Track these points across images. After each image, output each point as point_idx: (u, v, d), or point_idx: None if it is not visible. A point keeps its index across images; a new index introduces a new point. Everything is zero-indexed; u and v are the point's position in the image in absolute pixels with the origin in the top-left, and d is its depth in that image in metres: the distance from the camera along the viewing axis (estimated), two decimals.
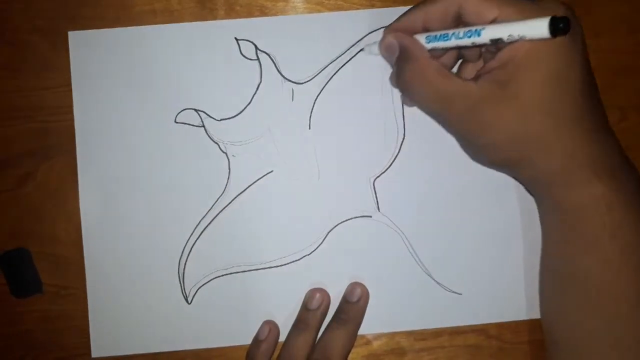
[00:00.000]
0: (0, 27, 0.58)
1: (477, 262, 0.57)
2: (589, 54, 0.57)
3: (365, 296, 0.56)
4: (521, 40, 0.44)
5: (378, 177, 0.57)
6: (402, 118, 0.57)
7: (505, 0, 0.45)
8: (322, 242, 0.57)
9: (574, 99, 0.45)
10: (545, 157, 0.46)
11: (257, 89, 0.57)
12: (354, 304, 0.56)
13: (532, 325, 0.57)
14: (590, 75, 0.47)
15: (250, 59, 0.57)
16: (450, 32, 0.47)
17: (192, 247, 0.57)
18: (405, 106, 0.57)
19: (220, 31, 0.57)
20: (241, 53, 0.57)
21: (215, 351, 0.57)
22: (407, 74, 0.48)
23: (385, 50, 0.51)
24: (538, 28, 0.42)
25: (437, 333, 0.57)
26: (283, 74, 0.57)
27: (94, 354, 0.56)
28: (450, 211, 0.57)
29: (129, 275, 0.57)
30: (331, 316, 0.56)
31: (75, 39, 0.57)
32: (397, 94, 0.57)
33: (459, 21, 0.48)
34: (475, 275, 0.57)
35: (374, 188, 0.57)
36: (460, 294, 0.57)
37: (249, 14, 0.58)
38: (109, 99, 0.57)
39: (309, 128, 0.57)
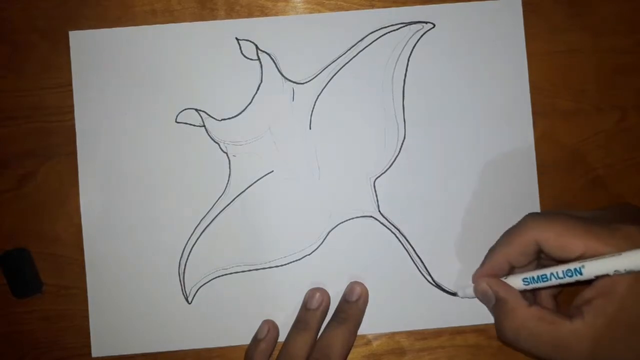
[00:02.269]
0: (0, 27, 0.58)
1: (476, 263, 0.57)
2: (589, 55, 0.57)
3: (364, 295, 0.56)
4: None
5: (378, 177, 0.57)
6: (402, 118, 0.57)
7: (585, 231, 0.45)
8: (322, 242, 0.57)
9: None
10: None
11: (258, 89, 0.57)
12: (353, 303, 0.56)
13: None
14: None
15: (251, 59, 0.57)
16: (549, 272, 0.47)
17: (193, 247, 0.57)
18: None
19: (221, 31, 0.57)
20: (242, 53, 0.57)
21: (215, 351, 0.57)
22: (508, 327, 0.48)
23: (481, 297, 0.51)
24: (635, 264, 0.42)
25: (438, 333, 0.57)
26: (284, 74, 0.57)
27: (94, 354, 0.56)
28: (450, 211, 0.57)
29: (129, 275, 0.57)
30: (331, 316, 0.56)
31: (76, 38, 0.57)
32: (397, 93, 0.57)
33: (542, 254, 0.48)
34: None
35: (375, 188, 0.57)
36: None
37: (250, 14, 0.58)
38: (109, 99, 0.57)
39: (310, 128, 0.57)
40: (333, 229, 0.57)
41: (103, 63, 0.57)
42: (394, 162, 0.57)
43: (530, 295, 0.51)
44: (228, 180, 0.57)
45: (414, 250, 0.57)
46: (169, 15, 0.58)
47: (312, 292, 0.56)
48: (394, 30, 0.57)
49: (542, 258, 0.50)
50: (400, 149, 0.57)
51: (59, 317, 0.57)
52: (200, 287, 0.57)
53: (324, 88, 0.57)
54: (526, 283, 0.49)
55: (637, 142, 0.58)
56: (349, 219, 0.57)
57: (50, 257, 0.57)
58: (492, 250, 0.51)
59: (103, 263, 0.57)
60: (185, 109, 0.57)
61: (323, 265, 0.57)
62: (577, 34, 0.58)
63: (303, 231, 0.57)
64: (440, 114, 0.57)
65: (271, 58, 0.57)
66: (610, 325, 0.44)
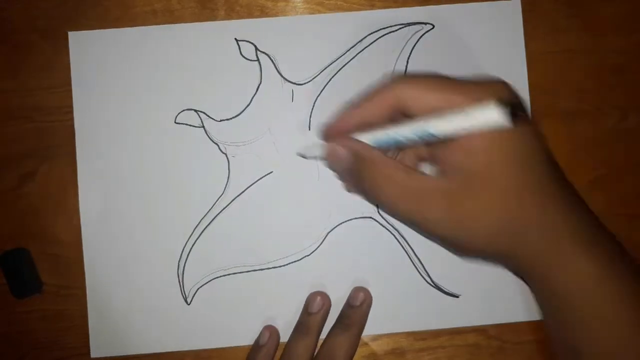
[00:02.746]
0: (0, 27, 0.58)
1: (475, 264, 0.57)
2: (589, 55, 0.57)
3: (368, 300, 0.56)
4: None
5: None
6: None
7: (449, 85, 0.43)
8: (321, 243, 0.57)
9: (545, 173, 0.44)
10: (532, 239, 0.44)
11: (257, 89, 0.57)
12: (356, 309, 0.56)
13: (532, 325, 0.57)
14: (547, 146, 0.45)
15: (250, 60, 0.57)
16: (400, 134, 0.44)
17: (192, 247, 0.57)
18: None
19: (220, 32, 0.57)
20: (241, 54, 0.57)
21: (214, 352, 0.57)
22: (370, 180, 0.46)
23: (333, 160, 0.48)
24: (493, 119, 0.40)
25: (437, 333, 0.57)
26: (283, 75, 0.57)
27: (93, 354, 0.56)
28: None
29: (128, 275, 0.57)
30: (332, 319, 0.56)
31: (76, 39, 0.57)
32: None
33: (403, 113, 0.45)
34: (473, 277, 0.57)
35: None
36: (459, 296, 0.57)
37: (249, 14, 0.58)
38: (108, 99, 0.57)
39: (309, 129, 0.57)
40: (332, 229, 0.57)
41: (102, 64, 0.57)
42: None
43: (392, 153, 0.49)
44: (227, 181, 0.57)
45: (413, 251, 0.57)
46: (169, 15, 0.58)
47: (312, 296, 0.56)
48: (393, 32, 0.57)
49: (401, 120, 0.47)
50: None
51: (59, 317, 0.57)
52: (200, 287, 0.57)
53: (323, 89, 0.57)
54: (376, 145, 0.46)
55: (636, 142, 0.58)
56: (348, 220, 0.57)
57: (50, 257, 0.57)
58: (348, 107, 0.47)
59: (102, 264, 0.57)
60: (185, 110, 0.57)
61: (322, 266, 0.57)
62: (577, 34, 0.58)
63: (302, 232, 0.57)
64: None
65: (270, 59, 0.57)
66: (465, 181, 0.43)
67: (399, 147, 0.49)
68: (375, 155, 0.45)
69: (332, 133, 0.48)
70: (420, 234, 0.49)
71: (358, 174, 0.46)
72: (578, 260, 0.43)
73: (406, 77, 0.45)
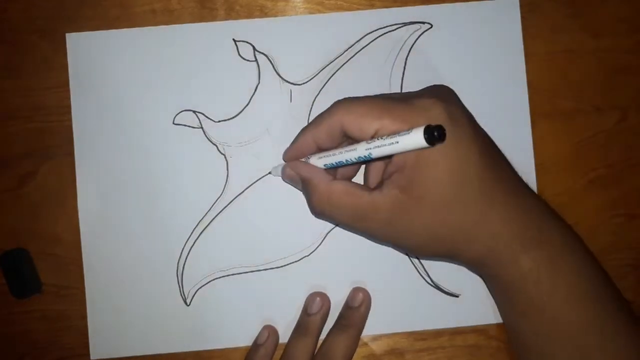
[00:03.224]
0: (0, 27, 0.58)
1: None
2: (589, 55, 0.57)
3: (367, 301, 0.56)
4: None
5: None
6: None
7: (382, 110, 0.45)
8: (320, 244, 0.57)
9: (478, 185, 0.46)
10: (469, 246, 0.47)
11: (256, 90, 0.57)
12: (355, 310, 0.56)
13: None
14: (490, 152, 0.47)
15: (249, 60, 0.57)
16: (344, 157, 0.47)
17: (191, 248, 0.57)
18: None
19: (218, 32, 0.57)
20: (239, 54, 0.57)
21: (214, 352, 0.57)
22: (315, 203, 0.49)
23: (288, 181, 0.53)
24: (415, 141, 0.42)
25: (437, 333, 0.57)
26: (281, 75, 0.57)
27: (92, 356, 0.56)
28: None
29: (128, 276, 0.57)
30: (332, 319, 0.56)
31: (73, 40, 0.57)
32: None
33: (346, 136, 0.48)
34: (473, 277, 0.56)
35: None
36: (458, 295, 0.57)
37: (249, 14, 0.57)
38: (107, 100, 0.57)
39: None
40: (331, 230, 0.57)
41: (100, 64, 0.57)
42: None
43: (332, 173, 0.51)
44: (226, 182, 0.57)
45: None
46: (169, 15, 0.58)
47: (312, 297, 0.56)
48: (392, 31, 0.57)
49: (349, 141, 0.50)
50: None
51: (58, 317, 0.57)
52: (199, 288, 0.57)
53: (321, 89, 0.57)
54: (326, 166, 0.50)
55: (636, 142, 0.57)
56: None
57: (50, 257, 0.57)
58: (301, 132, 0.51)
59: (101, 265, 0.57)
60: (183, 111, 0.57)
61: (321, 267, 0.57)
62: (577, 34, 0.58)
63: (301, 232, 0.57)
64: None
65: (268, 59, 0.57)
66: (402, 196, 0.45)
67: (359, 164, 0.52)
68: (318, 180, 0.49)
69: (290, 156, 0.53)
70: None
71: (306, 197, 0.50)
72: (516, 262, 0.47)
73: (347, 103, 0.47)
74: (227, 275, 0.57)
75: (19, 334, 0.57)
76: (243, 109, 0.57)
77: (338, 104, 0.48)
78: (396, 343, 0.57)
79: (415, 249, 0.49)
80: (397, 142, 0.43)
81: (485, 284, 0.54)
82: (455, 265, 0.56)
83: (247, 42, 0.57)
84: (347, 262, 0.57)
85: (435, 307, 0.57)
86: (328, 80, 0.57)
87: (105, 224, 0.57)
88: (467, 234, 0.46)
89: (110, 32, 0.57)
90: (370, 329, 0.57)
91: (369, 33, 0.57)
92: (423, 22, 0.57)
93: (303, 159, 0.52)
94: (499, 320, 0.57)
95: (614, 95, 0.58)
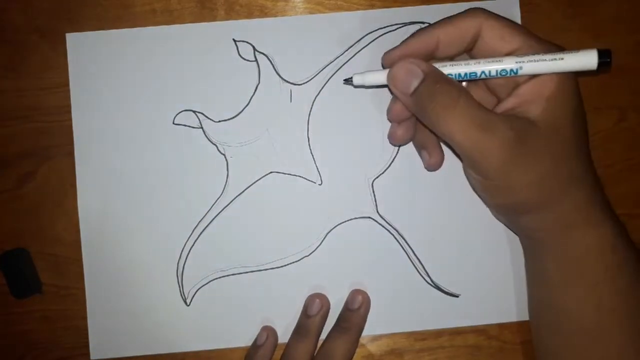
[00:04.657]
0: (0, 27, 0.58)
1: (475, 264, 0.57)
2: None
3: (366, 303, 0.56)
4: (548, 74, 0.44)
5: (377, 178, 0.57)
6: None
7: (526, 32, 0.45)
8: (320, 244, 0.57)
9: (587, 138, 0.47)
10: (572, 195, 0.46)
11: (256, 90, 0.57)
12: (355, 312, 0.56)
13: None
14: None
15: (249, 60, 0.57)
16: (483, 67, 0.45)
17: (191, 248, 0.57)
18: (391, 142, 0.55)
19: (218, 32, 0.57)
20: (239, 54, 0.57)
21: (213, 352, 0.57)
22: (443, 100, 0.45)
23: (403, 77, 0.47)
24: (586, 62, 0.42)
25: (438, 333, 0.57)
26: (281, 75, 0.57)
27: (92, 356, 0.56)
28: (448, 212, 0.57)
29: (128, 276, 0.57)
30: (331, 321, 0.56)
31: (73, 40, 0.57)
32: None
33: (474, 48, 0.47)
34: (473, 277, 0.57)
35: (373, 189, 0.57)
36: (458, 295, 0.57)
37: (249, 14, 0.57)
38: (107, 100, 0.57)
39: (308, 129, 0.57)
40: (331, 230, 0.57)
41: (100, 64, 0.57)
42: (392, 162, 0.57)
43: None
44: (226, 182, 0.57)
45: (413, 251, 0.57)
46: (169, 15, 0.58)
47: (311, 298, 0.56)
48: (392, 31, 0.57)
49: (470, 54, 0.49)
50: (398, 149, 0.57)
51: (58, 318, 0.57)
52: (199, 288, 0.57)
53: (321, 89, 0.57)
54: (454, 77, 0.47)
55: (636, 142, 0.58)
56: (347, 220, 0.57)
57: (50, 257, 0.57)
58: (422, 29, 0.48)
59: (101, 265, 0.57)
60: (183, 111, 0.57)
61: (321, 267, 0.57)
62: (577, 34, 0.58)
63: (301, 232, 0.57)
64: None
65: (268, 59, 0.57)
66: (535, 128, 0.44)
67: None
68: (453, 81, 0.46)
69: (396, 55, 0.48)
70: (469, 167, 0.48)
71: (428, 98, 0.46)
72: (602, 225, 0.46)
73: (487, 12, 0.46)
74: (227, 276, 0.57)
75: (19, 334, 0.57)
76: (243, 109, 0.57)
77: (477, 9, 0.46)
78: (396, 343, 0.57)
79: (521, 188, 0.46)
80: (562, 59, 0.43)
81: (538, 261, 0.50)
82: (456, 265, 0.57)
83: (247, 42, 0.57)
84: (347, 262, 0.57)
85: (435, 307, 0.57)
86: (328, 80, 0.57)
87: (105, 224, 0.57)
88: (579, 176, 0.46)
89: (111, 32, 0.57)
90: (370, 329, 0.57)
91: (369, 33, 0.57)
92: (423, 22, 0.57)
93: None
94: (499, 320, 0.57)
95: (613, 96, 0.58)
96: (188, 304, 0.57)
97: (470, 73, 0.46)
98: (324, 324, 0.56)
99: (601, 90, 0.58)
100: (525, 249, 0.53)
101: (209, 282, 0.57)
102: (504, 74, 0.45)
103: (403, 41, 0.49)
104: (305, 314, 0.56)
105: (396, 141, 0.53)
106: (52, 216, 0.57)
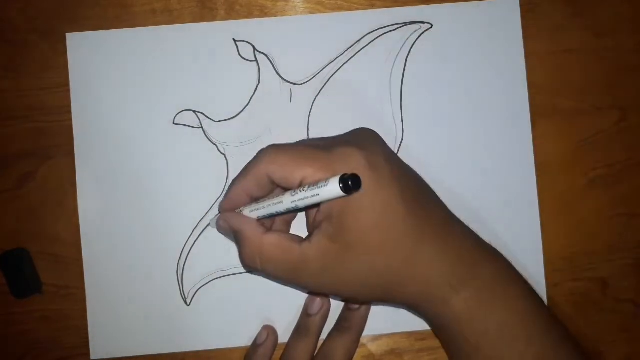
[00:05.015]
0: None
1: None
2: (589, 54, 0.57)
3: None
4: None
5: None
6: (400, 119, 0.57)
7: (305, 159, 0.46)
8: None
9: (403, 229, 0.46)
10: (401, 290, 0.47)
11: (256, 90, 0.57)
12: (355, 311, 0.56)
13: None
14: (413, 192, 0.47)
15: (249, 60, 0.57)
16: (273, 209, 0.47)
17: (191, 248, 0.57)
18: None
19: (218, 32, 0.57)
20: (239, 54, 0.57)
21: (214, 352, 0.57)
22: (246, 257, 0.48)
23: (222, 232, 0.52)
24: (333, 192, 0.42)
25: None
26: (281, 75, 0.57)
27: (92, 356, 0.56)
28: None
29: (128, 277, 0.57)
30: (332, 321, 0.56)
31: (74, 40, 0.57)
32: (395, 94, 0.57)
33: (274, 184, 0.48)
34: None
35: None
36: None
37: (249, 14, 0.57)
38: (107, 100, 0.57)
39: (308, 129, 0.57)
40: None
41: (100, 65, 0.57)
42: None
43: (269, 222, 0.52)
44: (226, 182, 0.57)
45: None
46: (169, 15, 0.58)
47: (312, 298, 0.56)
48: (392, 31, 0.57)
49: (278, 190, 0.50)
50: (398, 149, 0.57)
51: (59, 317, 0.57)
52: (199, 288, 0.57)
53: (322, 89, 0.57)
54: (260, 218, 0.49)
55: (637, 142, 0.58)
56: None
57: (50, 257, 0.57)
58: (232, 182, 0.51)
59: (101, 265, 0.57)
60: (183, 111, 0.57)
61: None
62: (577, 34, 0.58)
63: (302, 232, 0.56)
64: (438, 114, 0.57)
65: (268, 59, 0.57)
66: (330, 245, 0.45)
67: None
68: (250, 232, 0.48)
69: (224, 208, 0.52)
70: None
71: (238, 249, 0.50)
72: (448, 303, 0.47)
73: (271, 151, 0.48)
74: (227, 276, 0.57)
75: (19, 334, 0.57)
76: (243, 109, 0.57)
77: (262, 153, 0.48)
78: (396, 343, 0.57)
79: (349, 297, 0.50)
80: (318, 195, 0.43)
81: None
82: None
83: (248, 42, 0.57)
84: None
85: None
86: (328, 80, 0.57)
87: (105, 224, 0.57)
88: (398, 278, 0.46)
89: (111, 32, 0.57)
90: (370, 329, 0.57)
91: (369, 33, 0.57)
92: (423, 22, 0.57)
93: (238, 210, 0.51)
94: None
95: (614, 95, 0.58)
96: (188, 303, 0.57)
97: (269, 214, 0.48)
98: (325, 323, 0.56)
99: (602, 90, 0.58)
100: None
101: (210, 282, 0.57)
102: (291, 210, 0.46)
103: (225, 192, 0.53)
104: (305, 313, 0.56)
105: None
106: (52, 216, 0.57)
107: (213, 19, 0.57)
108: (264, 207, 0.48)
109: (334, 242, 0.45)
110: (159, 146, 0.57)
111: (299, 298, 0.57)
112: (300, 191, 0.44)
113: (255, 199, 0.50)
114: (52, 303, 0.57)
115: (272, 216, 0.49)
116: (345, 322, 0.56)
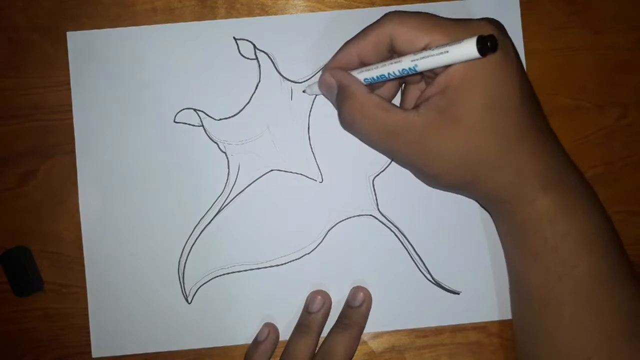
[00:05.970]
0: (0, 26, 0.58)
1: (476, 261, 0.57)
2: (589, 51, 0.57)
3: (368, 300, 0.56)
4: (455, 64, 0.44)
5: (377, 175, 0.57)
6: None
7: (434, 25, 0.45)
8: (321, 241, 0.57)
9: (514, 116, 0.46)
10: (493, 176, 0.47)
11: (256, 88, 0.57)
12: (356, 309, 0.56)
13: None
14: (529, 88, 0.47)
15: (249, 59, 0.57)
16: (388, 69, 0.47)
17: (192, 246, 0.57)
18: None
19: (218, 31, 0.57)
20: (240, 52, 0.57)
21: (215, 350, 0.57)
22: (347, 112, 0.48)
23: (324, 89, 0.52)
24: (467, 50, 0.42)
25: (438, 330, 0.57)
26: (282, 73, 0.57)
27: (94, 354, 0.57)
28: (449, 209, 0.57)
29: (129, 274, 0.57)
30: (332, 319, 0.56)
31: (74, 39, 0.57)
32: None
33: (393, 50, 0.48)
34: (474, 274, 0.57)
35: (373, 186, 0.57)
36: (459, 292, 0.57)
37: (250, 13, 0.57)
38: (107, 98, 0.57)
39: (308, 127, 0.57)
40: (332, 227, 0.57)
41: (101, 63, 0.57)
42: (392, 161, 0.57)
43: (372, 89, 0.51)
44: (227, 180, 0.57)
45: (414, 248, 0.57)
46: (169, 14, 0.58)
47: (313, 295, 0.56)
48: None
49: (394, 56, 0.49)
50: None
51: (60, 316, 0.57)
52: (200, 286, 0.57)
53: None
54: (367, 81, 0.49)
55: (637, 139, 0.58)
56: (348, 218, 0.57)
57: (51, 255, 0.57)
58: (345, 44, 0.50)
59: (103, 263, 0.57)
60: (184, 109, 0.57)
61: (322, 264, 0.57)
62: (577, 32, 0.58)
63: (302, 230, 0.57)
64: None
65: (269, 57, 0.57)
66: (438, 117, 0.45)
67: (400, 82, 0.52)
68: (356, 88, 0.48)
69: (332, 67, 0.51)
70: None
71: (339, 105, 0.49)
72: (535, 200, 0.47)
73: (398, 14, 0.47)
74: (228, 274, 0.57)
75: (21, 332, 0.57)
76: (244, 107, 0.57)
77: (389, 15, 0.47)
78: (397, 340, 0.58)
79: (438, 175, 0.48)
80: (447, 52, 0.43)
81: (496, 224, 0.53)
82: (457, 262, 0.57)
83: (248, 41, 0.57)
84: (348, 260, 0.57)
85: (436, 304, 0.57)
86: None
87: (106, 222, 0.57)
88: (494, 163, 0.46)
89: (111, 31, 0.57)
90: (371, 326, 0.57)
91: None
92: None
93: None
94: (501, 317, 0.57)
95: (614, 93, 0.58)
96: (189, 302, 0.57)
97: (379, 75, 0.48)
98: (326, 321, 0.56)
99: (602, 87, 0.58)
100: None
101: (210, 280, 0.57)
102: (406, 72, 0.46)
103: (334, 54, 0.51)
104: (306, 311, 0.56)
105: None
106: (53, 214, 0.57)
107: (214, 17, 0.58)
108: (376, 68, 0.48)
109: (442, 115, 0.45)
110: (159, 144, 0.57)
111: (300, 295, 0.57)
112: (426, 50, 0.44)
113: (363, 65, 0.49)
114: (54, 301, 0.57)
115: (379, 81, 0.48)
116: (346, 319, 0.56)
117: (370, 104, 0.47)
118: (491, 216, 0.54)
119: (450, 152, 0.46)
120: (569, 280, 0.47)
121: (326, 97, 0.53)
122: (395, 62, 0.46)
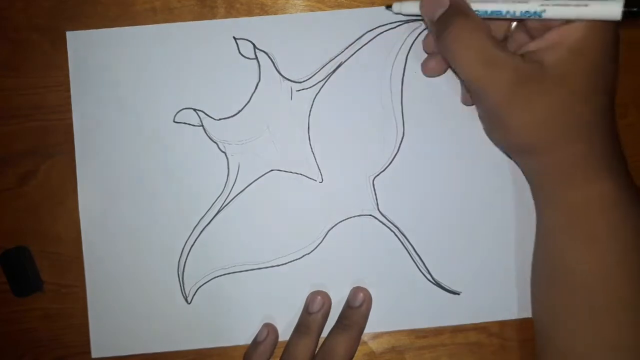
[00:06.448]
0: (0, 26, 0.58)
1: (476, 261, 0.57)
2: None
3: (368, 301, 0.56)
4: (577, 22, 0.44)
5: (377, 175, 0.57)
6: (401, 116, 0.57)
7: None
8: (322, 241, 0.57)
9: (608, 92, 0.46)
10: (571, 145, 0.46)
11: (256, 88, 0.57)
12: (356, 309, 0.56)
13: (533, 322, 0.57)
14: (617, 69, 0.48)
15: (249, 58, 0.57)
16: (507, 7, 0.46)
17: (192, 246, 0.57)
18: (426, 75, 0.56)
19: (218, 30, 0.57)
20: (240, 52, 0.57)
21: (215, 350, 0.57)
22: (455, 29, 0.46)
23: (433, 2, 0.49)
24: (611, 8, 0.41)
25: (439, 331, 0.57)
26: (282, 73, 0.57)
27: (93, 355, 0.57)
28: (449, 210, 0.57)
29: (129, 275, 0.57)
30: (332, 319, 0.56)
31: (74, 38, 0.57)
32: (395, 91, 0.57)
33: None
34: (474, 275, 0.57)
35: (374, 187, 0.57)
36: (459, 293, 0.57)
37: (249, 12, 0.57)
38: (107, 98, 0.57)
39: (308, 127, 0.57)
40: (332, 227, 0.57)
41: (101, 63, 0.57)
42: (392, 160, 0.57)
43: None
44: (227, 180, 0.57)
45: (414, 248, 0.57)
46: (169, 14, 0.58)
47: (313, 296, 0.56)
48: (392, 29, 0.57)
49: None
50: (399, 147, 0.57)
51: (60, 316, 0.57)
52: (200, 287, 0.57)
53: (322, 86, 0.57)
54: (477, 14, 0.48)
55: (637, 139, 0.58)
56: (349, 218, 0.57)
57: (51, 255, 0.57)
58: None
59: (102, 263, 0.57)
60: (183, 109, 0.57)
61: (322, 264, 0.57)
62: None
63: (302, 230, 0.57)
64: (438, 111, 0.57)
65: (269, 57, 0.57)
66: (541, 71, 0.45)
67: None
68: (470, 11, 0.47)
69: None
70: (475, 101, 0.52)
71: (448, 21, 0.47)
72: (602, 179, 0.47)
73: None
74: (228, 274, 0.57)
75: (20, 332, 0.57)
76: (243, 107, 0.57)
77: None
78: (397, 341, 0.57)
79: (519, 127, 0.47)
80: (587, 5, 0.42)
81: (545, 206, 0.51)
82: (457, 263, 0.57)
83: (248, 40, 0.57)
84: (348, 260, 0.57)
85: (436, 304, 0.57)
86: (329, 77, 0.57)
87: (106, 222, 0.57)
88: (578, 131, 0.46)
89: (111, 30, 0.57)
90: (371, 326, 0.57)
91: (370, 31, 0.57)
92: (423, 20, 0.57)
93: None
94: (501, 317, 0.57)
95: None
96: (189, 302, 0.57)
97: (495, 11, 0.47)
98: (326, 321, 0.56)
99: None
100: (533, 197, 0.53)
101: (210, 280, 0.57)
102: (528, 15, 0.45)
103: None
104: (306, 311, 0.56)
105: (427, 72, 0.56)
106: (53, 214, 0.57)
107: (213, 17, 0.57)
108: (495, 1, 0.46)
109: (546, 70, 0.45)
110: (159, 144, 0.57)
111: (299, 295, 0.57)
112: (551, 5, 0.44)
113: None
114: (53, 301, 0.57)
115: (490, 16, 0.47)
116: (346, 319, 0.56)
117: (482, 29, 0.46)
118: (538, 197, 0.52)
119: (543, 107, 0.45)
120: (626, 266, 0.47)
121: (422, 15, 0.51)
122: (520, 2, 0.45)
